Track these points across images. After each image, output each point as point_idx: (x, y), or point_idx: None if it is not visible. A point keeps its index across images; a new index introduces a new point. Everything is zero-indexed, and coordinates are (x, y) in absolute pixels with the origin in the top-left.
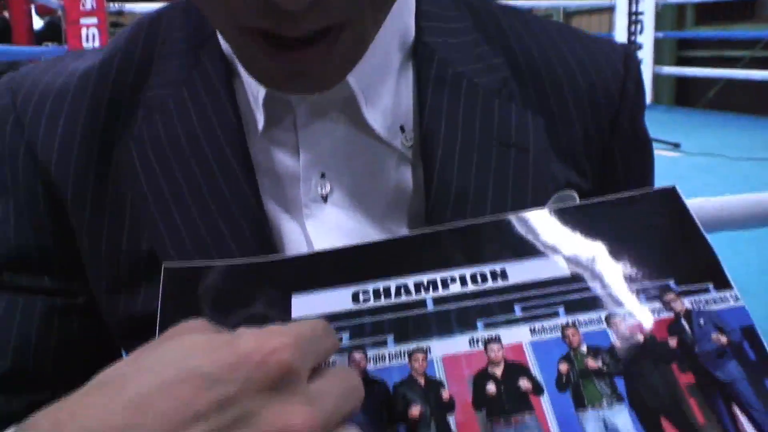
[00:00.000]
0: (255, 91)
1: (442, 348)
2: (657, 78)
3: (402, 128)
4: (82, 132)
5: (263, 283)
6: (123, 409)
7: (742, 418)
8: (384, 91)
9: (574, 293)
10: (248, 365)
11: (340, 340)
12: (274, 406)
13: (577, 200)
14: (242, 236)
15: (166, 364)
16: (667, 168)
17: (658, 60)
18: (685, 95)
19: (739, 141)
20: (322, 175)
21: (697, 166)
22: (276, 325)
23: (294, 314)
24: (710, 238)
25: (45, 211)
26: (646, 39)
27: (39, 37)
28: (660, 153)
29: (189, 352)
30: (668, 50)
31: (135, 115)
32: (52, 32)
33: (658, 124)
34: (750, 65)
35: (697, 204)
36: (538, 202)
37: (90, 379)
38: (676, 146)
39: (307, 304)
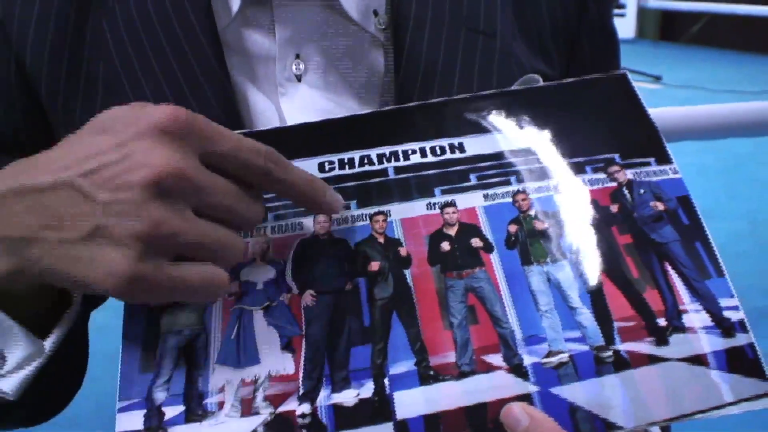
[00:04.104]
0: None
1: (402, 211)
2: (642, 12)
3: (375, 12)
4: (57, 11)
5: None
6: (60, 149)
7: (673, 274)
8: None
9: (526, 164)
10: (144, 118)
11: None
12: (153, 149)
13: (541, 83)
14: (210, 110)
15: (93, 122)
16: (646, 99)
17: None
18: (670, 30)
19: (721, 75)
20: (297, 56)
21: (677, 98)
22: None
23: None
24: (674, 148)
25: (17, 92)
26: None
27: None
28: (640, 85)
29: (110, 113)
30: None
31: None
32: None
33: (641, 57)
34: None
35: (663, 112)
36: (502, 87)
37: None
38: (657, 79)
39: None
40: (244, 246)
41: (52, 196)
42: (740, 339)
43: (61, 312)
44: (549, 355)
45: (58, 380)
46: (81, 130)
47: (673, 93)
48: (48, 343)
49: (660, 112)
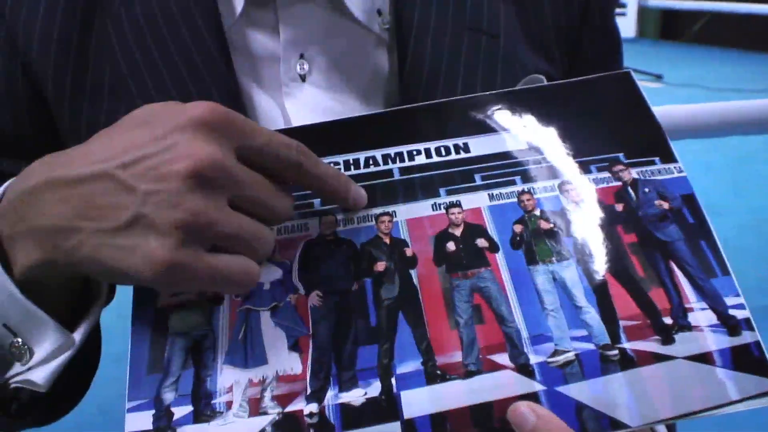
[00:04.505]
0: None
1: (407, 212)
2: (643, 11)
3: (379, 11)
4: (62, 15)
5: None
6: (97, 142)
7: (678, 273)
8: None
9: (531, 164)
10: (183, 112)
11: (312, 205)
12: (192, 141)
13: (545, 83)
14: None
15: (130, 117)
16: (648, 98)
17: None
18: (671, 29)
19: (722, 73)
20: (301, 56)
21: (678, 97)
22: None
23: None
24: (680, 146)
25: (24, 97)
26: None
27: None
28: (642, 84)
29: (148, 109)
30: None
31: None
32: None
33: (642, 56)
34: None
35: (665, 110)
36: (506, 87)
37: None
38: (658, 77)
39: None
40: (274, 240)
41: (89, 186)
42: (746, 337)
43: (83, 305)
44: (555, 354)
45: (76, 374)
46: (116, 125)
47: (674, 92)
48: (78, 335)
49: (661, 111)
